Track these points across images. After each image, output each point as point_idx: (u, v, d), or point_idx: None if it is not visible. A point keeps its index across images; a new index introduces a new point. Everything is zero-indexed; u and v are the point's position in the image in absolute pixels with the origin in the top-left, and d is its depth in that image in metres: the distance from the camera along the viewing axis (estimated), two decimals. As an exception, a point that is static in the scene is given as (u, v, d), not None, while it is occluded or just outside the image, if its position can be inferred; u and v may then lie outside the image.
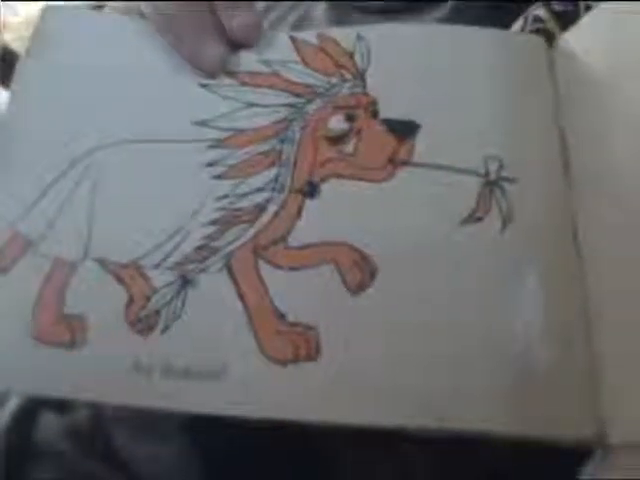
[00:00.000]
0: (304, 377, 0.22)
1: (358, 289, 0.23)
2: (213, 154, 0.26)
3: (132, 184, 0.26)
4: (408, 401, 0.22)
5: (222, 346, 0.23)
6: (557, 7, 0.34)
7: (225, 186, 0.25)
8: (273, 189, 0.25)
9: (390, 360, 0.22)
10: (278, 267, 0.24)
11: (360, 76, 0.27)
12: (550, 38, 0.29)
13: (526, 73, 0.27)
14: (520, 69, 0.28)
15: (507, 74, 0.27)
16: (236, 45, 0.28)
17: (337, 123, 0.26)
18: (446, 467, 0.28)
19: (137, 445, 0.30)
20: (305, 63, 0.28)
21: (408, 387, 0.22)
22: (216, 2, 0.27)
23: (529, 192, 0.25)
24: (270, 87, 0.27)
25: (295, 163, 0.26)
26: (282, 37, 0.29)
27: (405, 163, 0.25)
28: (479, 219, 0.24)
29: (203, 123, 0.27)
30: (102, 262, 0.24)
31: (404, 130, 0.26)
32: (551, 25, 0.33)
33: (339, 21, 0.40)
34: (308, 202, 0.25)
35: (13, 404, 0.32)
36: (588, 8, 0.31)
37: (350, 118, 0.26)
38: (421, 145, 0.26)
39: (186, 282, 0.24)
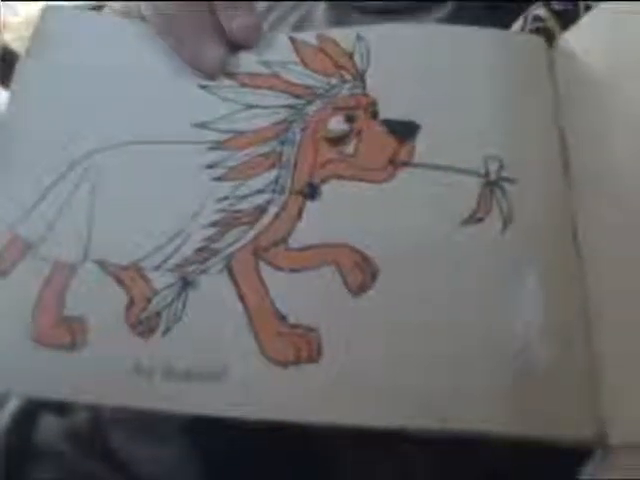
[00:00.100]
0: (305, 379, 0.22)
1: (359, 290, 0.23)
2: (213, 156, 0.26)
3: (132, 186, 0.26)
4: (409, 402, 0.22)
5: (223, 348, 0.23)
6: (557, 6, 0.34)
7: (225, 188, 0.25)
8: (273, 191, 0.25)
9: (391, 361, 0.22)
10: (279, 269, 0.24)
11: (360, 77, 0.27)
12: (550, 37, 0.29)
13: (526, 73, 0.27)
14: (520, 69, 0.28)
15: (507, 74, 0.27)
16: (236, 46, 0.28)
17: (337, 124, 0.26)
18: (446, 467, 0.28)
19: (136, 447, 0.30)
20: (305, 64, 0.28)
21: (409, 388, 0.22)
22: (216, 3, 0.27)
23: (529, 192, 0.25)
24: (270, 88, 0.27)
25: (295, 164, 0.26)
26: (282, 38, 0.29)
27: (405, 164, 0.25)
28: (479, 220, 0.24)
29: (203, 125, 0.27)
30: (102, 264, 0.24)
31: (404, 131, 0.26)
32: (551, 24, 0.33)
33: (339, 21, 0.40)
34: (308, 203, 0.25)
35: (13, 405, 0.32)
36: (588, 8, 0.31)
37: (350, 119, 0.26)
38: (421, 146, 0.26)
39: (187, 284, 0.24)
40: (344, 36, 0.28)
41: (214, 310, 0.23)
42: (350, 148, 0.26)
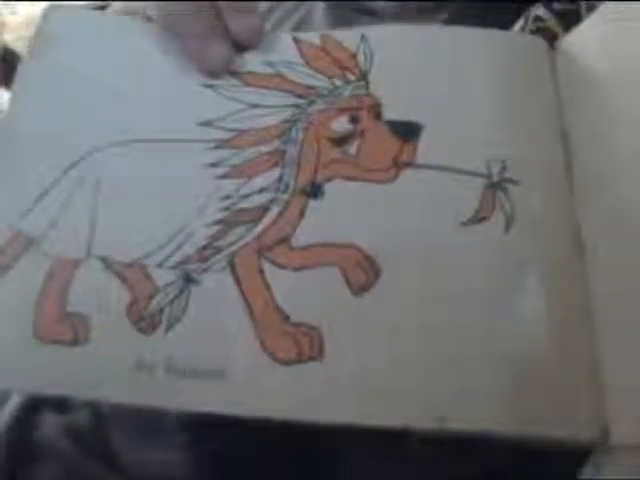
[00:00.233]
0: (307, 377, 0.22)
1: (362, 290, 0.23)
2: (217, 154, 0.26)
3: (135, 183, 0.26)
4: (409, 401, 0.22)
5: (225, 345, 0.23)
6: (557, 7, 0.34)
7: (229, 186, 0.25)
8: (277, 190, 0.25)
9: (392, 360, 0.22)
10: (282, 267, 0.24)
11: (363, 77, 0.27)
12: (552, 37, 0.30)
13: (528, 74, 0.28)
14: (522, 70, 0.28)
15: (509, 75, 0.27)
16: (239, 47, 0.28)
17: (341, 124, 0.27)
18: (446, 467, 0.28)
19: (137, 444, 0.30)
20: (308, 64, 0.28)
21: (410, 387, 0.22)
22: (220, 3, 0.27)
23: (532, 193, 0.25)
24: (274, 88, 0.27)
25: (299, 164, 0.26)
26: (286, 38, 0.29)
27: (408, 164, 0.26)
28: (482, 220, 0.24)
29: (207, 123, 0.27)
30: (105, 261, 0.24)
31: (407, 131, 0.26)
32: (552, 24, 0.33)
33: (338, 22, 0.40)
34: (312, 203, 0.25)
35: (14, 403, 0.32)
36: (590, 8, 0.31)
37: (354, 119, 0.27)
38: (424, 146, 0.26)
39: (189, 281, 0.24)
40: (348, 37, 0.28)
41: (216, 307, 0.23)
42: (353, 148, 0.26)
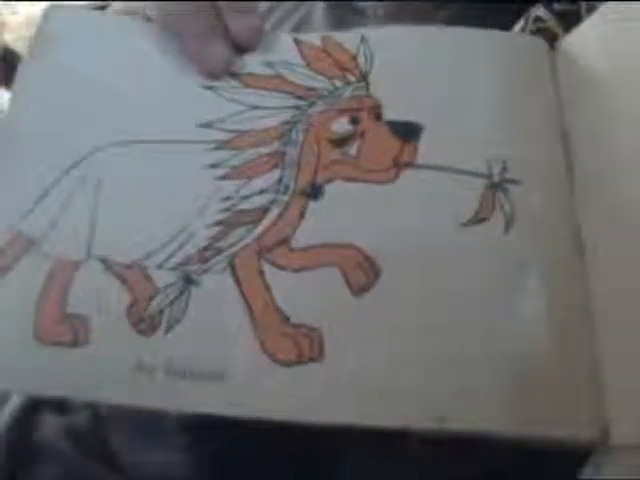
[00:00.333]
0: (307, 378, 0.22)
1: (362, 290, 0.23)
2: (217, 155, 0.26)
3: (136, 184, 0.26)
4: (409, 401, 0.22)
5: (225, 346, 0.23)
6: (558, 7, 0.34)
7: (229, 187, 0.25)
8: (277, 191, 0.25)
9: (392, 361, 0.22)
10: (282, 268, 0.24)
11: (363, 78, 0.27)
12: (552, 38, 0.30)
13: (528, 75, 0.28)
14: (523, 71, 0.28)
15: (510, 76, 0.27)
16: (239, 48, 0.28)
17: (341, 125, 0.27)
18: (446, 467, 0.28)
19: (137, 445, 0.30)
20: (309, 65, 0.28)
21: (410, 387, 0.22)
22: (220, 4, 0.27)
23: (532, 193, 0.25)
24: (274, 89, 0.27)
25: (299, 165, 0.26)
26: (286, 39, 0.29)
27: (409, 165, 0.26)
28: (482, 220, 0.24)
29: (207, 125, 0.27)
30: (105, 262, 0.24)
31: (408, 132, 0.26)
32: (552, 24, 0.33)
33: (338, 23, 0.40)
34: (312, 204, 0.25)
35: (14, 404, 0.32)
36: (590, 8, 0.31)
37: (354, 120, 0.27)
38: (424, 147, 0.26)
39: (189, 282, 0.24)
40: (348, 38, 0.28)
41: (216, 309, 0.23)
42: (353, 149, 0.26)
